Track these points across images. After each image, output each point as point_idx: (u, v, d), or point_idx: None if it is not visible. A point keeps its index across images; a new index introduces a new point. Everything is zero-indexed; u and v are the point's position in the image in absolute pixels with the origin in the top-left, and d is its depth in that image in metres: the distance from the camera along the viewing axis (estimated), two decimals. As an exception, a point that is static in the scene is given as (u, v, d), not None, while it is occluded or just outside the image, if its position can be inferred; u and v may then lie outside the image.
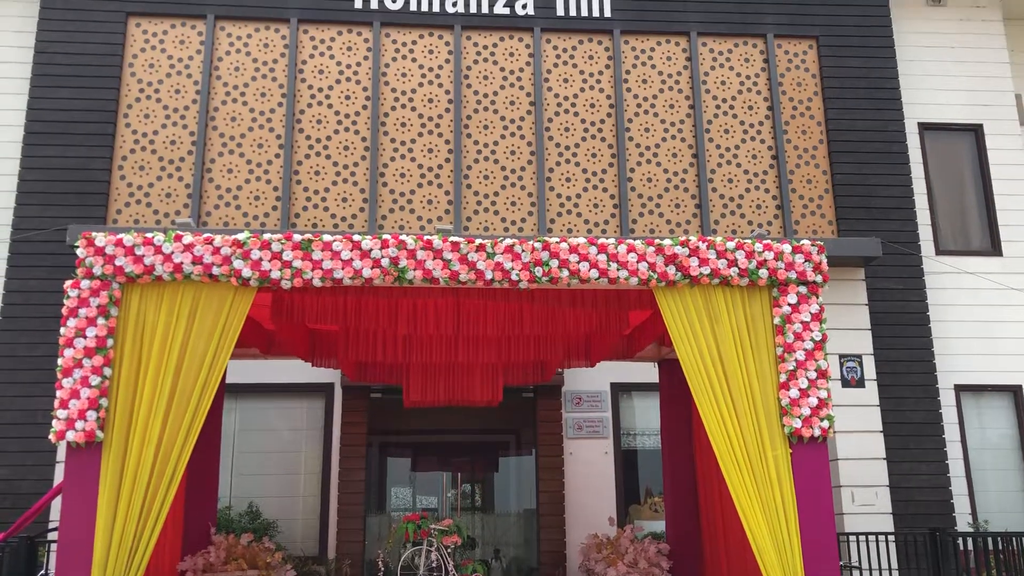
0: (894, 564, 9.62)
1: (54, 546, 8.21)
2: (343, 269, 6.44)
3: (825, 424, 6.48)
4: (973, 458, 11.30)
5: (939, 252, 11.81)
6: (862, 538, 9.39)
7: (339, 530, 10.66)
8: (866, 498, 10.29)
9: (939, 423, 11.02)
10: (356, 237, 6.55)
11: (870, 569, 9.16)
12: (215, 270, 6.41)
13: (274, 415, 11.32)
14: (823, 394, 6.53)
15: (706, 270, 6.66)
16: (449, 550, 7.75)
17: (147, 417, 6.21)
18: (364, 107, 11.60)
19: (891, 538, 9.60)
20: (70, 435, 6.08)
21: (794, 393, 6.48)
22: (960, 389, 11.39)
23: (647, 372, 10.86)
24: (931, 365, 11.20)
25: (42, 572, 8.69)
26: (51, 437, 6.10)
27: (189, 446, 6.23)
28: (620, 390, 11.58)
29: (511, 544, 12.34)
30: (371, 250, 6.48)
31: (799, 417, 6.45)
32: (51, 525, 9.18)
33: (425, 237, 6.57)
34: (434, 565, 7.65)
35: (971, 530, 10.41)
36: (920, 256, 11.57)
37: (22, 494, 9.72)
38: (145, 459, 6.12)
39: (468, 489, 14.10)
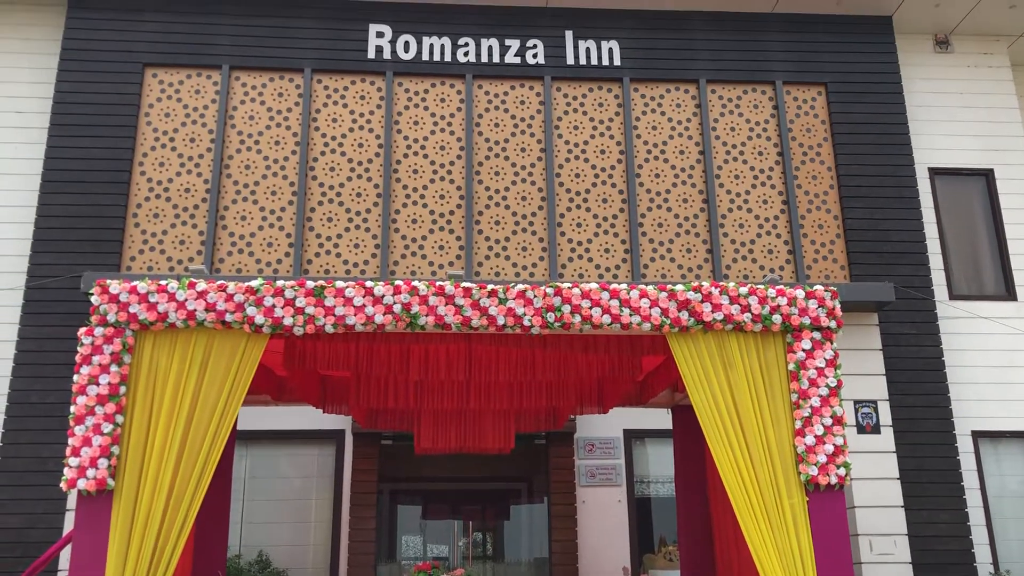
0: (915, 615, 9.44)
1: (62, 596, 8.13)
2: (356, 315, 6.45)
3: (842, 471, 6.39)
4: (993, 505, 11.10)
5: (953, 297, 11.74)
6: (883, 588, 9.22)
7: (349, 579, 10.55)
8: (884, 547, 10.11)
9: (957, 470, 10.86)
10: (369, 284, 6.56)
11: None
12: (228, 317, 6.42)
13: (285, 462, 11.26)
14: (839, 441, 6.45)
15: (719, 316, 6.63)
16: (461, 601, 7.64)
17: (158, 465, 6.18)
18: (377, 154, 11.72)
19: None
20: (81, 483, 6.05)
21: (810, 440, 6.41)
22: (978, 435, 11.24)
23: (660, 418, 10.79)
24: (947, 411, 11.07)
25: (49, 622, 8.59)
26: (62, 485, 6.08)
27: (200, 494, 6.19)
28: (633, 437, 11.48)
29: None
30: (383, 296, 6.49)
31: (815, 464, 6.36)
32: (60, 574, 9.09)
33: (437, 283, 6.58)
34: (446, 617, 7.53)
35: (993, 580, 10.22)
36: (934, 301, 11.51)
37: (32, 543, 9.65)
38: (156, 507, 6.08)
39: (479, 538, 13.94)
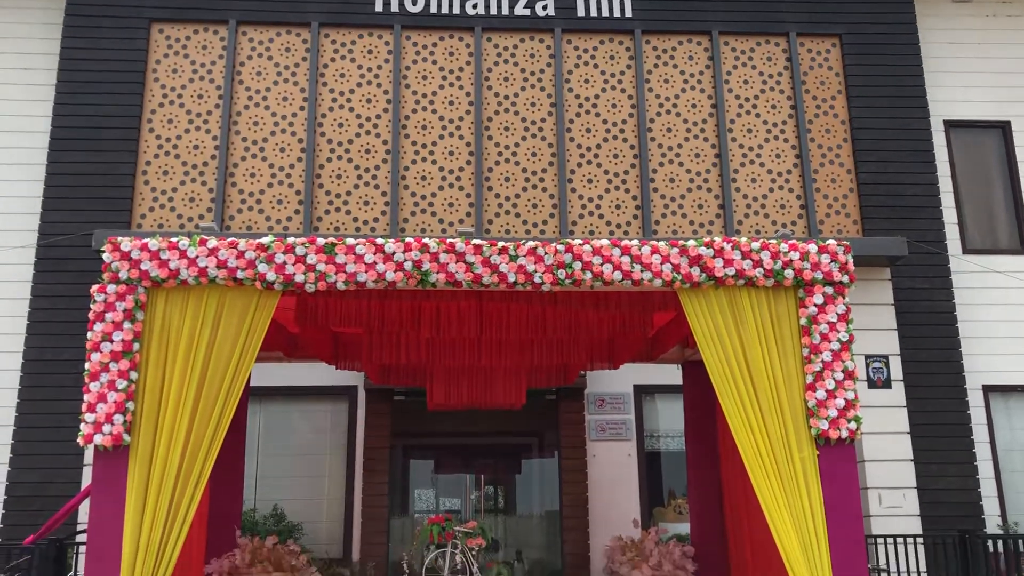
0: (922, 567, 9.50)
1: (83, 548, 8.26)
2: (366, 272, 6.45)
3: (853, 426, 6.41)
4: (1002, 459, 11.15)
5: (966, 251, 11.67)
6: (889, 540, 9.27)
7: (363, 532, 10.68)
8: (893, 500, 10.18)
9: (967, 424, 10.89)
10: (379, 240, 6.55)
11: (898, 572, 9.04)
12: (239, 274, 6.43)
13: (298, 418, 11.37)
14: (850, 395, 6.46)
15: (731, 271, 6.61)
16: (473, 552, 7.74)
17: (173, 421, 6.24)
18: (385, 110, 11.63)
19: (919, 540, 9.48)
20: (97, 439, 6.13)
21: (821, 395, 6.42)
22: (988, 389, 11.25)
23: (670, 374, 10.81)
24: (959, 365, 11.07)
25: (71, 574, 8.76)
26: (79, 441, 6.16)
27: (215, 450, 6.26)
28: (643, 392, 11.53)
29: (534, 546, 12.31)
30: (394, 253, 6.49)
31: (826, 419, 6.38)
32: (79, 528, 9.25)
33: (448, 240, 6.57)
34: (459, 567, 7.63)
35: (1001, 532, 10.27)
36: (947, 255, 11.44)
37: (50, 497, 9.81)
38: (171, 463, 6.15)
39: (491, 491, 14.10)
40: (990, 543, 8.92)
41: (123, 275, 6.45)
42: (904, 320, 11.09)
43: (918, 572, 9.25)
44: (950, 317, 11.21)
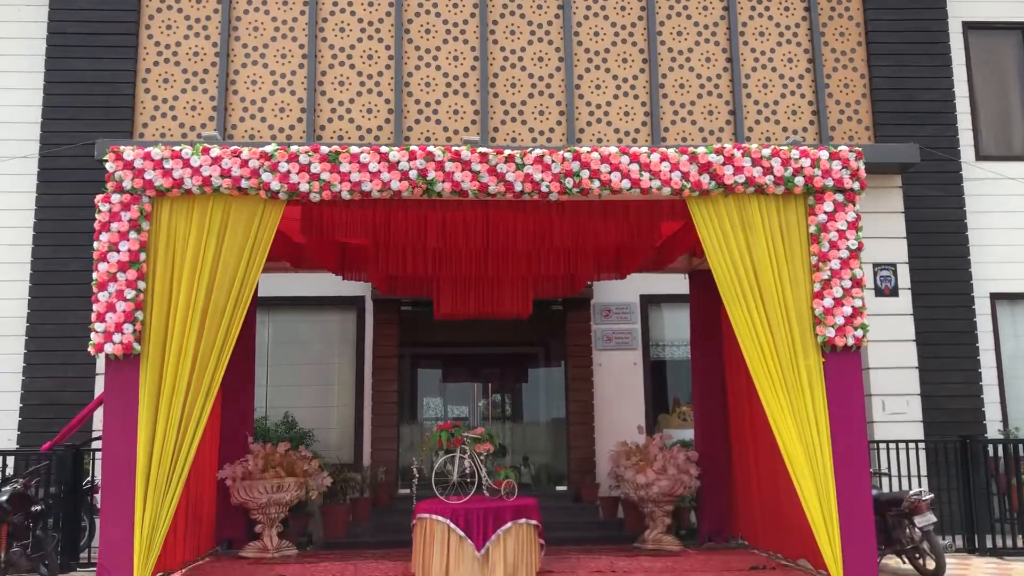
0: (923, 471, 9.68)
1: (99, 455, 8.43)
2: (371, 182, 6.39)
3: (859, 333, 6.44)
4: (1006, 366, 11.22)
5: (979, 157, 11.49)
6: (892, 446, 9.41)
7: (373, 439, 10.88)
8: (897, 406, 10.30)
9: (973, 331, 10.91)
10: (383, 149, 6.47)
11: (899, 476, 9.22)
12: (244, 183, 6.39)
13: (307, 328, 11.45)
14: (858, 303, 6.46)
15: (741, 178, 6.53)
16: (481, 457, 7.88)
17: (182, 330, 6.29)
18: (388, 13, 11.33)
19: (921, 446, 9.63)
20: (108, 348, 6.19)
21: (828, 302, 6.42)
22: (996, 297, 11.23)
23: (676, 284, 10.80)
24: (967, 273, 11.03)
25: (88, 479, 8.97)
26: (90, 350, 6.22)
27: (224, 358, 6.33)
28: (649, 302, 11.55)
29: (540, 452, 12.58)
30: (399, 162, 6.42)
31: (833, 326, 6.40)
32: (95, 435, 9.43)
33: (453, 149, 6.48)
34: (467, 472, 7.79)
35: (1001, 437, 10.41)
36: (959, 162, 11.27)
37: (64, 405, 9.97)
38: (182, 371, 6.23)
39: (498, 400, 14.31)
40: (990, 448, 9.06)
41: (127, 185, 6.41)
42: (913, 228, 11.01)
43: (919, 476, 9.41)
44: (960, 225, 11.12)
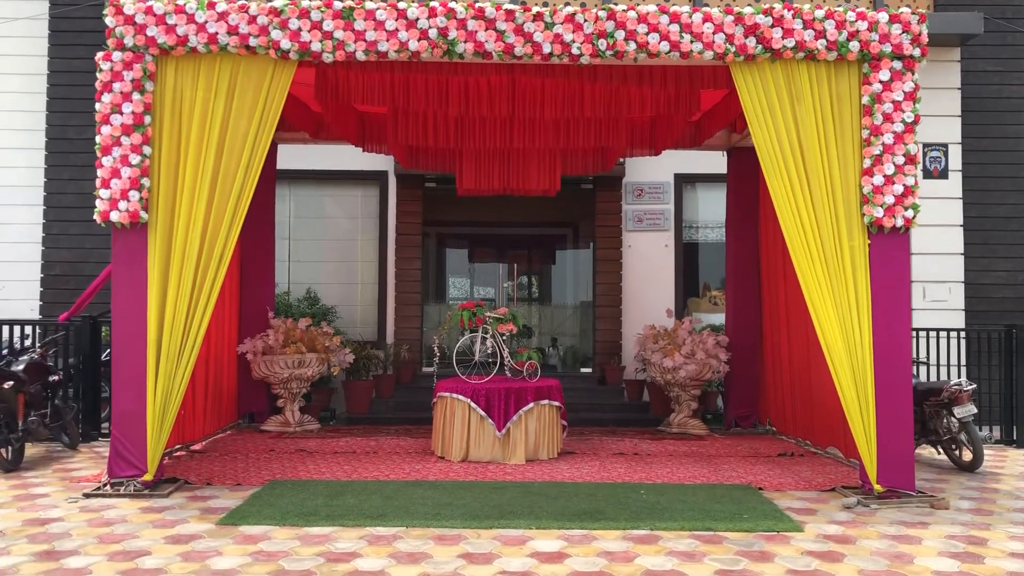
0: (963, 360, 9.35)
1: (117, 326, 8.31)
2: (388, 41, 5.93)
3: (910, 214, 5.99)
4: (1056, 255, 10.72)
5: (1046, 30, 10.65)
6: (931, 334, 9.05)
7: (397, 316, 10.72)
8: (938, 294, 9.89)
9: (1023, 217, 10.35)
10: (401, 5, 5.97)
11: (937, 365, 8.90)
12: (252, 41, 5.95)
13: (329, 203, 11.14)
14: (910, 181, 5.99)
15: (790, 42, 5.98)
16: (504, 338, 7.65)
17: (191, 197, 6.00)
18: None
19: (962, 334, 9.26)
20: (114, 216, 5.92)
21: (878, 180, 5.96)
22: (1051, 183, 10.63)
23: (712, 162, 10.31)
24: (1022, 155, 10.38)
25: (108, 351, 8.89)
26: (96, 217, 5.96)
27: (236, 226, 6.05)
28: (684, 181, 11.07)
29: (567, 334, 12.38)
30: (417, 19, 5.93)
31: (881, 206, 5.95)
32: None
33: (476, 5, 5.96)
34: (489, 351, 7.58)
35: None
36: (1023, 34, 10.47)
37: (85, 276, 9.85)
38: (192, 240, 5.96)
39: (525, 281, 14.06)
40: (1037, 338, 8.68)
41: (129, 42, 5.99)
42: (969, 106, 10.32)
43: (958, 366, 9.10)
44: (1020, 103, 10.40)
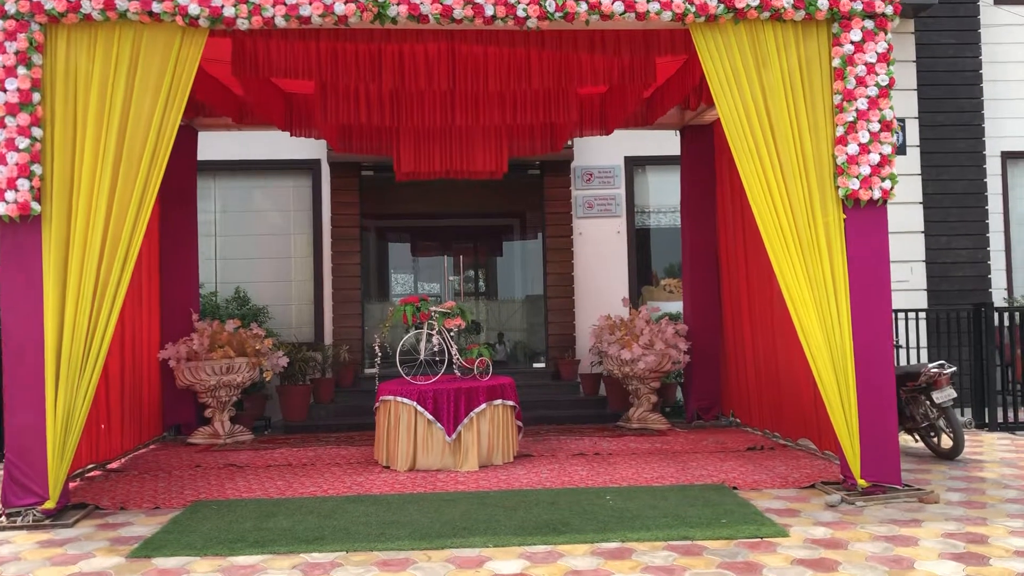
0: (925, 342, 9.02)
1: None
2: (311, 4, 5.27)
3: (887, 184, 5.55)
4: (1014, 231, 10.47)
5: (999, 0, 10.38)
6: (898, 316, 8.65)
7: (335, 315, 10.03)
8: (901, 274, 9.53)
9: (983, 193, 10.07)
10: (326, -37, 5.32)
11: (906, 348, 8.53)
12: (155, 7, 5.24)
13: (258, 195, 10.39)
14: (886, 150, 5.54)
15: (754, 1, 5.47)
16: (452, 334, 7.05)
17: (91, 186, 5.27)
18: None
19: (931, 315, 8.91)
20: (1, 208, 5.17)
21: (852, 149, 5.49)
22: (1008, 156, 10.37)
23: (663, 144, 9.88)
24: (979, 129, 10.10)
25: None
26: (-22, 211, 5.19)
27: (144, 217, 5.34)
28: (634, 164, 10.57)
29: (517, 328, 11.80)
30: (344, -21, 5.28)
31: (857, 177, 5.49)
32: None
33: (411, -37, 5.33)
34: (436, 349, 6.96)
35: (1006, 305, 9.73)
36: (977, 5, 10.18)
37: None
38: (93, 234, 5.24)
39: (472, 275, 13.45)
40: (1006, 316, 8.37)
41: (11, 8, 5.23)
42: (925, 79, 10.00)
43: (926, 347, 8.76)
44: (975, 76, 10.12)
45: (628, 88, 7.28)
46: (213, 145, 9.44)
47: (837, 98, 5.54)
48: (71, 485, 5.95)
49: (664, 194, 10.67)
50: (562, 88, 6.93)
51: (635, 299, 10.35)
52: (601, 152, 10.39)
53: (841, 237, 5.53)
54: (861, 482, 5.41)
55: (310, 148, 9.98)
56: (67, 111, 5.31)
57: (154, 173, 5.34)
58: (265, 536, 4.79)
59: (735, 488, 5.78)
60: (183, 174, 8.51)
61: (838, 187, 5.52)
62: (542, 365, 10.51)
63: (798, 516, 5.07)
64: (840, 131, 5.52)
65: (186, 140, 8.61)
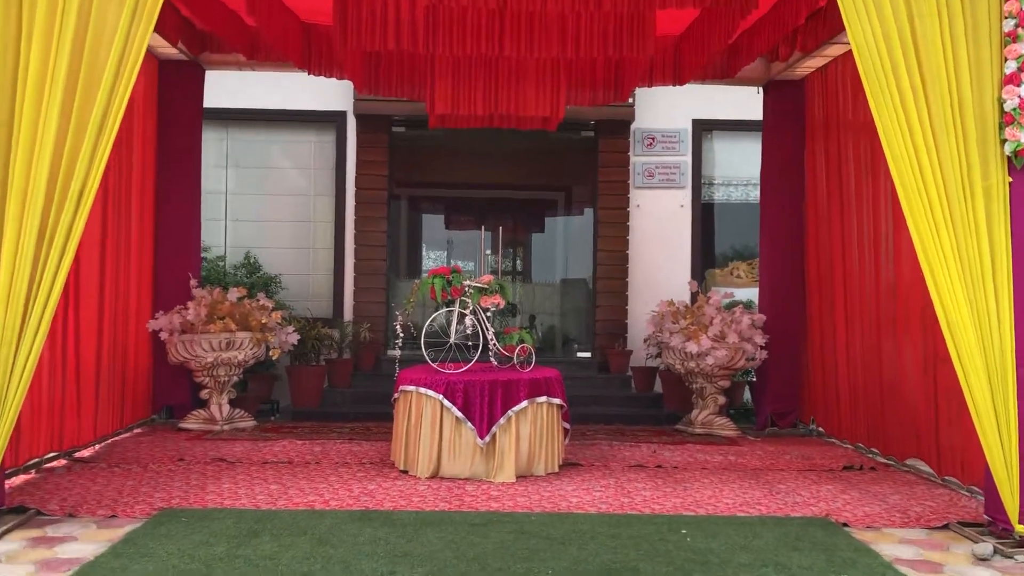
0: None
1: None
2: None
3: (1071, 139, 4.21)
4: None
5: None
6: None
7: (357, 289, 8.86)
8: None
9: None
10: None
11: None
12: None
13: (275, 150, 9.22)
14: (1072, 93, 4.21)
15: None
16: (489, 314, 5.82)
17: (36, 114, 4.09)
18: None
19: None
20: (-81, 133, 4.02)
21: (1026, 92, 4.16)
22: None
23: (738, 105, 8.60)
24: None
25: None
26: None
27: (102, 154, 4.16)
28: (703, 128, 9.26)
29: (559, 313, 10.51)
30: None
31: (1030, 129, 4.16)
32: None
33: None
34: (468, 332, 5.74)
35: None
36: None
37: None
38: (38, 174, 4.07)
39: (511, 251, 12.21)
40: None
41: None
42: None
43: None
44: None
45: (717, 22, 5.95)
46: (225, 88, 8.29)
47: (1009, 24, 4.20)
48: (14, 482, 4.86)
49: (735, 164, 9.37)
50: (638, 13, 5.60)
51: (698, 284, 9.05)
52: (665, 113, 9.11)
53: (1005, 208, 4.20)
54: (1019, 528, 4.12)
55: (335, 98, 8.79)
56: (8, 21, 4.12)
57: (116, 99, 4.17)
58: (239, 567, 3.64)
59: (845, 525, 4.51)
60: (187, 120, 7.43)
61: (1004, 140, 4.19)
62: (588, 355, 9.27)
63: (941, 573, 3.81)
64: (1012, 67, 4.18)
65: (191, 79, 7.49)
